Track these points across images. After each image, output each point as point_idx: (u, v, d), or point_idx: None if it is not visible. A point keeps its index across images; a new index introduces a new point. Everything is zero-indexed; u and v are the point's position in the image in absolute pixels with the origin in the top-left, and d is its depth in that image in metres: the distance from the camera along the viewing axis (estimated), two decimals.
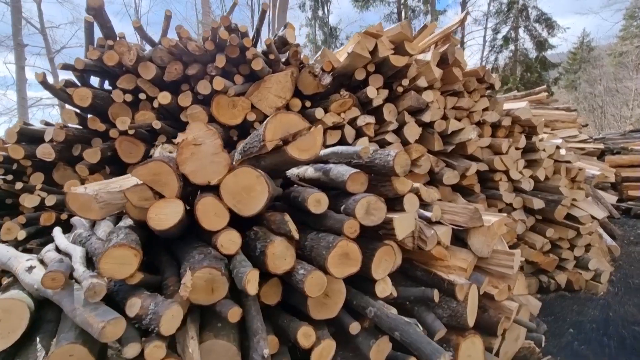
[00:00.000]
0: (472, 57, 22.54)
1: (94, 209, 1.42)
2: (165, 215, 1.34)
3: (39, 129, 3.16)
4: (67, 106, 3.18)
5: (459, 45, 3.92)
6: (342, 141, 3.57)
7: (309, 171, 2.01)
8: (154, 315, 1.13)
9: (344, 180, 1.69)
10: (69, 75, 3.43)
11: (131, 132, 3.05)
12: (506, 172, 4.08)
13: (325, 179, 1.85)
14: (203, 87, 3.17)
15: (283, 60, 3.65)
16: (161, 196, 1.41)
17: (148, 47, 3.54)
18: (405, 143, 3.65)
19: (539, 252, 4.03)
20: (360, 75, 3.56)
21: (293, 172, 2.18)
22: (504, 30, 20.29)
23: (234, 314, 1.23)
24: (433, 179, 3.84)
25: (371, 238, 1.88)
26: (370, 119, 3.52)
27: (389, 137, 3.64)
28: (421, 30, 4.29)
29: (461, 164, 3.75)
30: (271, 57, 3.32)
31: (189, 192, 1.51)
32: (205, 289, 1.29)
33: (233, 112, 3.15)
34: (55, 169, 3.25)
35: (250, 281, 1.23)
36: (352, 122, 3.58)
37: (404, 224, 1.81)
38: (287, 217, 1.54)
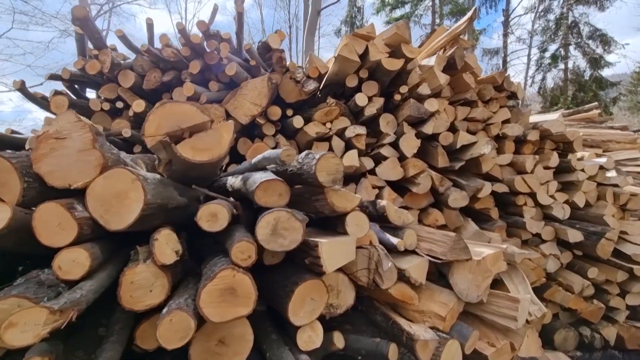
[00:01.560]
0: (516, 77, 21.21)
1: None
2: None
3: (18, 137, 3.15)
4: (48, 115, 3.16)
5: (470, 48, 3.43)
6: None
7: (237, 181, 1.65)
8: None
9: (253, 190, 1.30)
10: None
11: None
12: (533, 196, 3.39)
13: (244, 190, 1.47)
14: (178, 95, 3.00)
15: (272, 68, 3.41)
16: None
17: None
18: (405, 158, 3.17)
19: (578, 297, 3.22)
20: (351, 82, 3.19)
21: (229, 182, 1.83)
22: (552, 48, 18.91)
23: None
24: (438, 201, 3.28)
25: (302, 268, 1.45)
26: (361, 130, 3.11)
27: (385, 150, 3.19)
28: (430, 34, 3.86)
29: (472, 183, 3.16)
30: (252, 63, 3.09)
31: (51, 197, 1.21)
32: None
33: None
34: None
35: (14, 325, 0.85)
36: (342, 133, 3.19)
37: (336, 252, 1.35)
38: (160, 234, 1.17)
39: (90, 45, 3.38)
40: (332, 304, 1.56)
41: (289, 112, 3.06)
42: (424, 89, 3.20)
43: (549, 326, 3.20)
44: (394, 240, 1.71)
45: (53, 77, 3.30)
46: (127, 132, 2.92)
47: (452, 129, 3.33)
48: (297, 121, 2.93)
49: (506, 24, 19.95)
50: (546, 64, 19.08)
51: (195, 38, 2.81)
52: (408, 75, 3.26)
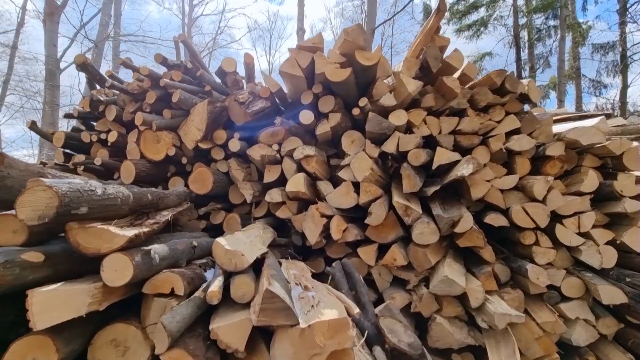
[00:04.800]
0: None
1: None
2: None
3: None
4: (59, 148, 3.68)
5: (453, 46, 2.77)
6: (283, 178, 2.90)
7: None
8: None
9: None
10: None
11: (80, 168, 3.26)
12: (551, 232, 2.46)
13: None
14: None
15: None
16: None
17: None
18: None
19: None
20: (306, 98, 2.90)
21: None
22: None
23: None
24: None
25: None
26: (310, 151, 2.75)
27: (344, 173, 2.77)
28: (418, 36, 3.29)
29: (448, 213, 2.46)
30: (206, 88, 3.08)
31: None
32: None
33: (157, 147, 2.98)
34: None
35: None
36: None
37: (57, 305, 1.10)
38: None
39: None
40: None
41: (236, 135, 2.91)
42: (387, 100, 2.69)
43: None
44: (210, 288, 1.36)
45: (67, 115, 3.87)
46: (98, 161, 3.18)
47: (426, 144, 2.70)
48: (233, 144, 2.77)
49: (623, 11, 16.25)
50: None
51: (144, 70, 2.94)
52: (373, 85, 2.81)
